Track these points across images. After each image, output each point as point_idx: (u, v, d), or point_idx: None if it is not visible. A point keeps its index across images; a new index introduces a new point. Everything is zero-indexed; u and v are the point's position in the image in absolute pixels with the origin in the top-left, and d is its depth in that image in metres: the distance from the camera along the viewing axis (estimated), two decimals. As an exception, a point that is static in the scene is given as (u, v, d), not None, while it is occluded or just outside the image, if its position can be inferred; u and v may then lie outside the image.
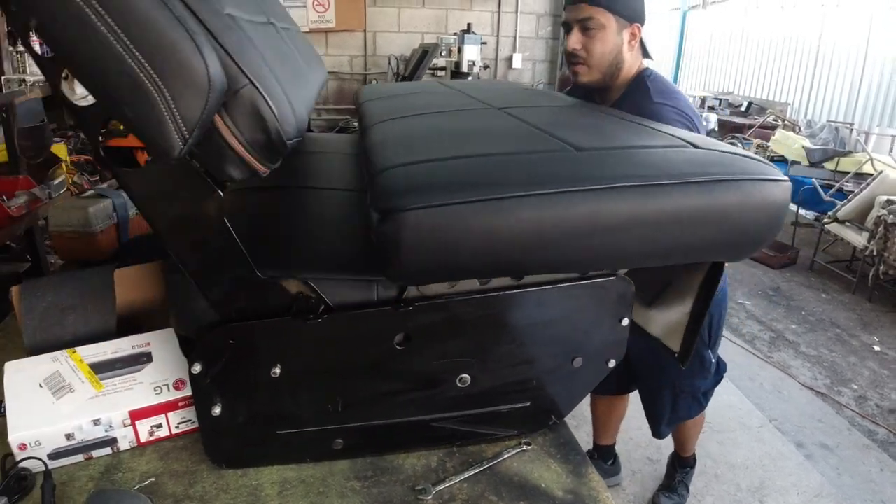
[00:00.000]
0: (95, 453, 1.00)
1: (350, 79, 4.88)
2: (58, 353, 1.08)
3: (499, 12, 6.10)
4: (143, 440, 1.02)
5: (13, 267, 2.41)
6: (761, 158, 0.86)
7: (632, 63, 1.53)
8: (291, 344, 0.89)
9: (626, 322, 1.00)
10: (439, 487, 0.93)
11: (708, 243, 0.82)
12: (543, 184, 0.73)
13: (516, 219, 0.72)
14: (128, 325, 1.19)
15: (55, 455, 0.97)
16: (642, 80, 1.53)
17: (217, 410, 0.89)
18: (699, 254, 0.88)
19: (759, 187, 0.79)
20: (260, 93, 0.74)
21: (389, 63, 4.33)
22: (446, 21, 4.70)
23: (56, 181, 2.48)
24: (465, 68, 3.85)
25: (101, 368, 1.06)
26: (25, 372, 1.04)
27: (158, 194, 0.81)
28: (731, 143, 5.52)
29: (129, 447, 1.01)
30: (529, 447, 1.04)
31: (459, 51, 3.88)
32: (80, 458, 0.99)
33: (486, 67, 5.61)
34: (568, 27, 1.48)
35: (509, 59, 6.47)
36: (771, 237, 0.86)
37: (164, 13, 0.64)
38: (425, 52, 3.86)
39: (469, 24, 4.06)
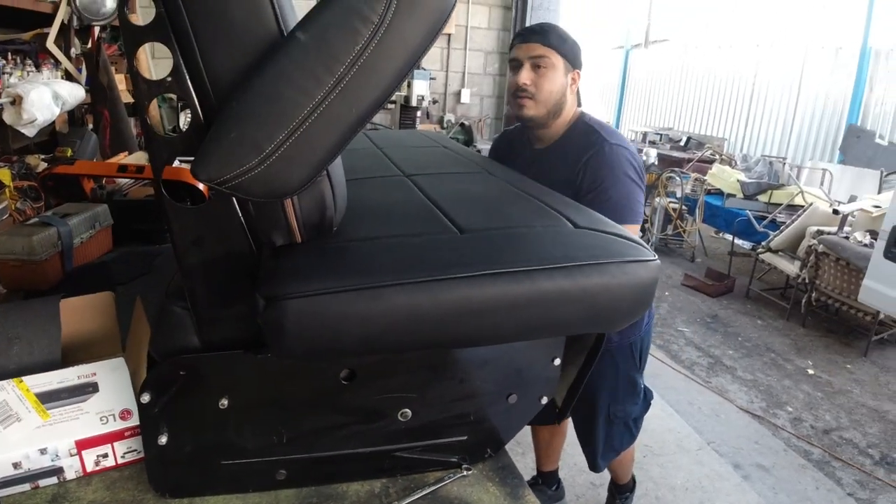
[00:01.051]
0: (42, 482, 1.02)
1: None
2: (4, 383, 1.09)
3: (448, 48, 6.32)
4: (88, 469, 1.05)
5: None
6: (632, 238, 0.95)
7: (571, 105, 1.65)
8: (241, 377, 0.94)
9: (557, 362, 1.07)
10: (383, 513, 0.98)
11: (577, 320, 0.89)
12: (419, 271, 0.81)
13: (391, 305, 0.78)
14: (73, 354, 1.21)
15: (2, 484, 0.99)
16: (584, 122, 1.65)
17: (163, 440, 0.93)
18: (570, 329, 0.96)
19: (625, 269, 0.87)
20: (330, 183, 0.84)
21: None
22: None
23: (-2, 206, 2.45)
24: (414, 102, 3.98)
25: (47, 398, 1.08)
26: (-28, 403, 1.05)
27: (198, 234, 0.85)
28: (669, 178, 5.80)
29: (75, 476, 1.04)
30: (469, 472, 1.09)
31: (409, 85, 4.01)
32: (27, 486, 1.01)
33: (434, 102, 5.78)
34: (517, 64, 1.59)
35: (458, 94, 6.67)
36: (641, 311, 0.93)
37: None
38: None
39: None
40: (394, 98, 4.07)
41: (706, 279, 5.07)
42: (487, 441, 1.11)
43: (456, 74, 6.66)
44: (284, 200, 0.81)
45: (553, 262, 0.84)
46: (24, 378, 1.10)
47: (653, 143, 7.74)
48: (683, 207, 5.90)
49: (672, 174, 5.88)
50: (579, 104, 1.70)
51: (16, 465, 0.99)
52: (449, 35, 6.22)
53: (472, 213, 1.03)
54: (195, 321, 0.89)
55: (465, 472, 1.09)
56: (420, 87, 3.99)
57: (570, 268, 0.84)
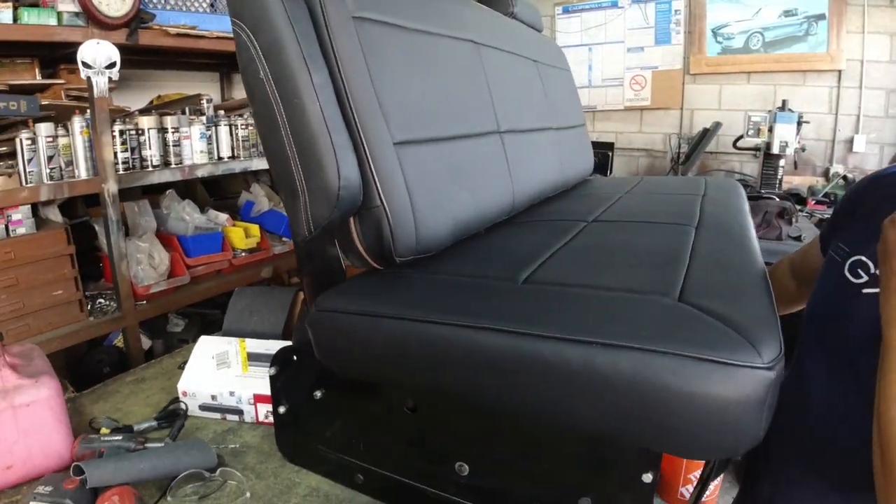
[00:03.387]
0: (228, 416, 1.42)
1: (662, 156, 4.96)
2: (234, 339, 1.54)
3: (838, 87, 5.53)
4: (259, 419, 1.41)
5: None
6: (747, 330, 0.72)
7: None
8: (327, 377, 1.11)
9: (648, 478, 0.85)
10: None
11: (614, 421, 0.76)
12: (449, 313, 0.85)
13: (413, 338, 0.87)
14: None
15: (204, 407, 1.42)
16: None
17: (282, 409, 1.22)
18: (601, 429, 0.79)
19: (704, 368, 0.69)
20: (386, 215, 0.98)
21: (669, 142, 4.30)
22: (774, 96, 4.42)
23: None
24: (776, 149, 3.63)
25: (253, 358, 1.48)
26: (208, 346, 1.51)
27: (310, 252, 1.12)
28: None
29: (249, 421, 1.41)
30: None
31: (770, 130, 3.69)
32: (217, 416, 1.42)
33: (803, 150, 5.12)
34: None
35: (850, 142, 5.78)
36: (725, 442, 0.72)
37: (322, 131, 0.90)
38: (705, 132, 3.79)
39: (784, 101, 3.84)
40: (755, 143, 3.78)
41: None
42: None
43: (848, 118, 5.77)
44: (351, 227, 1.00)
45: (606, 336, 0.74)
46: (247, 340, 1.52)
47: None
48: None
49: None
50: None
51: (213, 397, 1.40)
52: (839, 72, 5.43)
53: (582, 266, 1.00)
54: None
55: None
56: (784, 132, 3.58)
57: (622, 347, 0.72)
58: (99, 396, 1.54)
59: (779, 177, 3.59)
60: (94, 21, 1.90)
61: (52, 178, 1.92)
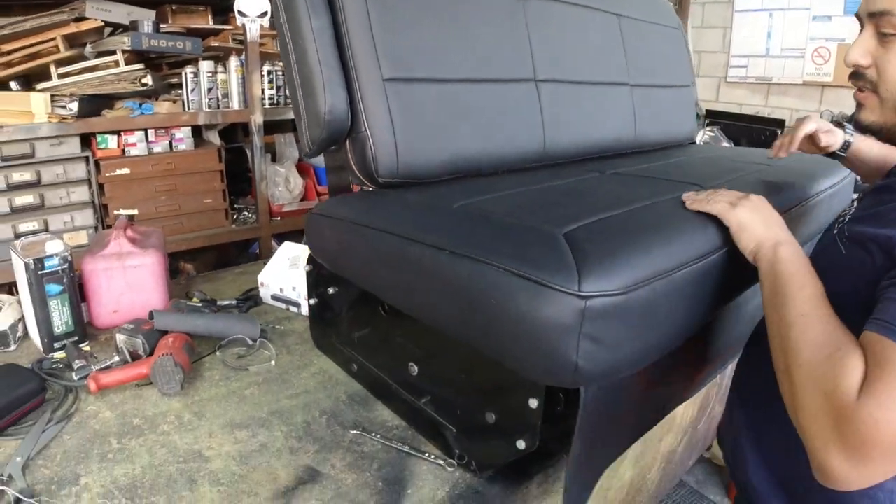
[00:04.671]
0: (292, 308, 1.73)
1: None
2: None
3: None
4: (304, 313, 1.69)
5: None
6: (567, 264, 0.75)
7: None
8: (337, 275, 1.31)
9: (533, 404, 0.90)
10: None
11: (454, 321, 0.90)
12: (389, 223, 1.03)
13: (358, 243, 1.11)
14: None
15: (275, 297, 1.74)
16: None
17: (312, 302, 1.48)
18: (448, 327, 0.96)
19: (516, 285, 0.76)
20: (370, 141, 1.17)
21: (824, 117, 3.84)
22: None
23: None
24: None
25: (319, 263, 1.77)
26: (289, 250, 1.83)
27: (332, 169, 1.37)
28: None
29: (305, 313, 1.70)
30: (451, 469, 1.10)
31: None
32: (283, 305, 1.73)
33: None
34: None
35: None
36: (537, 360, 0.78)
37: (316, 68, 1.12)
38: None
39: None
40: None
41: None
42: (471, 451, 1.07)
43: None
44: (346, 148, 1.20)
45: (459, 247, 0.86)
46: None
47: None
48: None
49: None
50: None
51: (281, 290, 1.72)
52: None
53: (528, 203, 1.06)
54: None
55: (445, 466, 1.10)
56: None
57: (463, 256, 0.84)
58: (208, 279, 1.95)
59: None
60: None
61: (209, 106, 2.37)
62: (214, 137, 2.53)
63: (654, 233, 0.89)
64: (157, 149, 2.31)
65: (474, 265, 0.82)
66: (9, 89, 2.14)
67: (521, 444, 0.94)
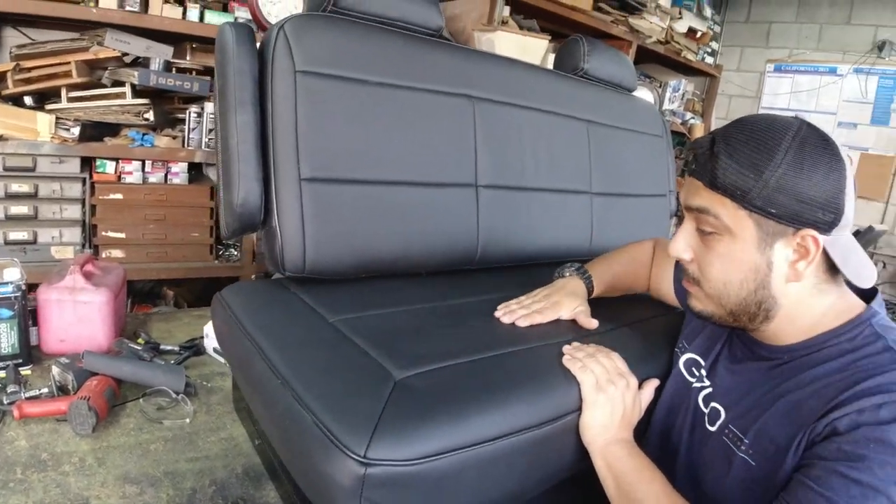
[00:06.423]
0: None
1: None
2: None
3: None
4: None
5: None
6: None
7: (809, 307, 0.83)
8: None
9: None
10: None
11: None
12: None
13: None
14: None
15: (216, 351, 1.81)
16: (871, 332, 0.80)
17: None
18: None
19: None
20: (280, 235, 1.23)
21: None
22: None
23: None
24: None
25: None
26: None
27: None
28: None
29: (244, 368, 1.76)
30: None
31: None
32: (222, 360, 1.79)
33: None
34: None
35: None
36: None
37: (235, 160, 1.19)
38: (856, 234, 3.32)
39: None
40: None
41: None
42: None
43: None
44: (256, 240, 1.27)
45: (288, 374, 0.92)
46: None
47: None
48: None
49: None
50: (872, 295, 0.86)
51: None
52: None
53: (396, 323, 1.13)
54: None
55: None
56: None
57: (286, 385, 0.90)
58: (165, 318, 2.03)
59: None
60: (259, 26, 2.40)
61: (207, 146, 2.47)
62: (213, 175, 2.64)
63: (486, 395, 0.87)
64: (152, 179, 2.43)
65: (292, 402, 0.85)
66: (23, 103, 2.28)
67: None
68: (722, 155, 0.78)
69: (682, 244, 0.87)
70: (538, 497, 0.97)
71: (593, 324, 1.14)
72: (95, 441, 1.37)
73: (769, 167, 0.75)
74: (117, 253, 2.39)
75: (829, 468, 0.69)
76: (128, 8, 2.16)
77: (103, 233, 2.37)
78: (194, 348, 1.81)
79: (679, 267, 1.01)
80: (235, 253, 2.74)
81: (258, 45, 1.25)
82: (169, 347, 1.79)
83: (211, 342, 1.81)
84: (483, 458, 0.81)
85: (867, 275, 0.81)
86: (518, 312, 1.15)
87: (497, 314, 1.16)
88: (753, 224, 0.78)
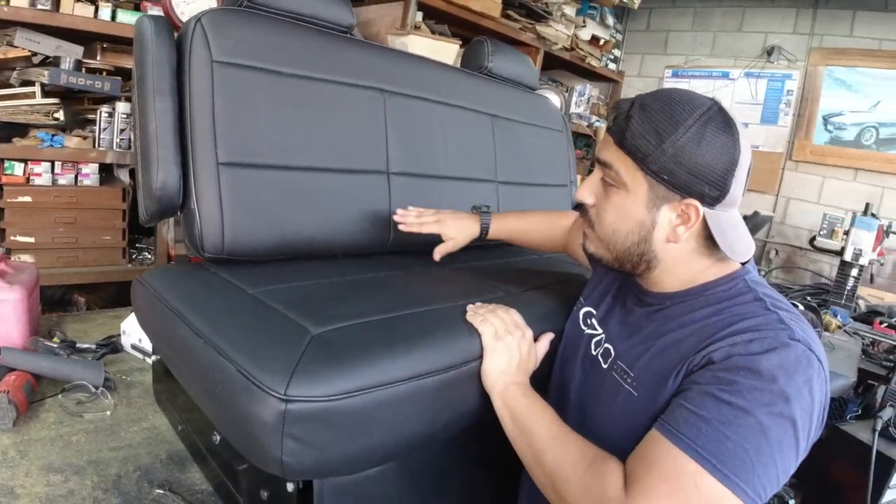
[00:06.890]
0: (148, 360, 1.79)
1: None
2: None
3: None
4: (173, 364, 1.76)
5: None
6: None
7: (688, 265, 0.94)
8: None
9: (290, 487, 1.02)
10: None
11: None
12: None
13: None
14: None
15: (134, 347, 1.81)
16: (743, 286, 0.92)
17: (154, 358, 1.55)
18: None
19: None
20: (198, 218, 1.26)
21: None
22: (881, 200, 4.05)
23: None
24: (849, 256, 3.35)
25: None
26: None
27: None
28: None
29: (164, 363, 1.77)
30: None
31: (846, 234, 3.43)
32: (140, 356, 1.80)
33: (882, 264, 4.53)
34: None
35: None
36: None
37: (153, 145, 1.23)
38: (755, 215, 3.58)
39: (868, 205, 3.54)
40: (830, 246, 3.55)
41: None
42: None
43: None
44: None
45: (209, 332, 0.99)
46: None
47: None
48: None
49: None
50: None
51: (139, 340, 1.78)
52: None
53: (312, 292, 1.20)
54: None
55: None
56: (860, 239, 3.31)
57: (207, 343, 0.97)
58: (82, 318, 2.01)
59: (848, 287, 3.28)
60: (173, 26, 2.40)
61: (119, 146, 2.45)
62: (125, 176, 2.62)
63: (397, 342, 0.96)
64: (62, 181, 2.38)
65: (215, 356, 0.92)
66: (-73, 102, 2.21)
67: None
68: (634, 119, 0.87)
69: (587, 190, 0.98)
70: (448, 443, 1.06)
71: (436, 256, 1.49)
72: (16, 435, 1.37)
73: (671, 138, 0.84)
74: (27, 258, 2.33)
75: (703, 391, 0.80)
76: (39, 6, 2.12)
77: (12, 237, 2.31)
78: (111, 346, 1.80)
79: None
80: (149, 256, 2.72)
81: (175, 37, 1.30)
82: (86, 345, 1.77)
83: (129, 339, 1.81)
84: (395, 397, 0.90)
85: (741, 250, 0.91)
86: (409, 219, 1.43)
87: (396, 218, 1.43)
88: (647, 185, 0.88)
